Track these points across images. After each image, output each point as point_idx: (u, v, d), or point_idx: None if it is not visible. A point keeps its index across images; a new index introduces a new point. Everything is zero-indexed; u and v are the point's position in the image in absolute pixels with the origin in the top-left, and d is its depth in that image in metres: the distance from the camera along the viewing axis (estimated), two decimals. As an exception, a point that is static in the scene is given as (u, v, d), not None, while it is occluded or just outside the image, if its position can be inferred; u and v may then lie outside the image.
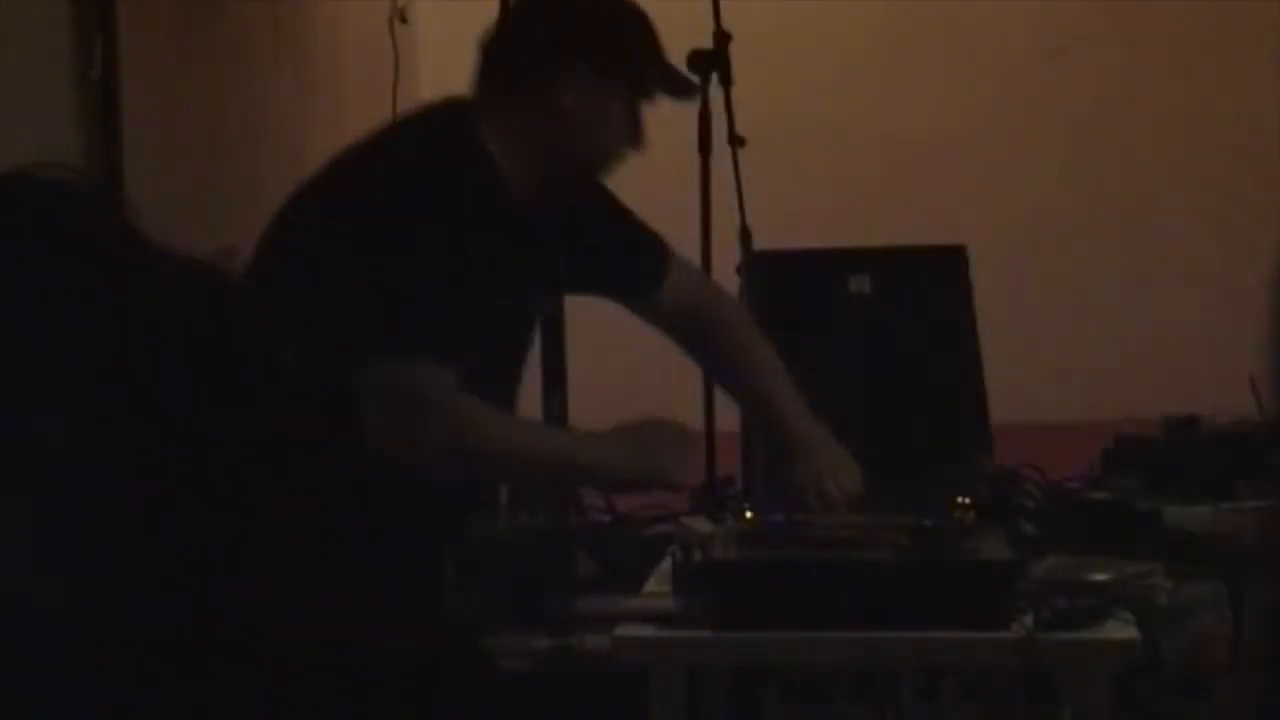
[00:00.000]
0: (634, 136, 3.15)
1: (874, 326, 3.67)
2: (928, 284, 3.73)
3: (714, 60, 3.97)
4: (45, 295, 0.83)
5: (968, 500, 2.94)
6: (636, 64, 3.13)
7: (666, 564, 3.01)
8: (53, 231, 0.85)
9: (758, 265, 3.80)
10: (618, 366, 5.05)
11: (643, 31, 3.17)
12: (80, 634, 0.81)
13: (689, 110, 3.79)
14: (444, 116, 3.13)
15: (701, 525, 3.21)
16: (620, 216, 3.27)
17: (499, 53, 3.16)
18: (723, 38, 4.02)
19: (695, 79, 3.25)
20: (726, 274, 3.98)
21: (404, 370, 2.88)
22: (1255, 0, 5.76)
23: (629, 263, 3.27)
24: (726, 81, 3.99)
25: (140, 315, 0.84)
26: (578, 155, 3.11)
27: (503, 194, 3.04)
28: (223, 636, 0.85)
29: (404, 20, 4.95)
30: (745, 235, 4.04)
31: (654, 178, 3.60)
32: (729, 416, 3.71)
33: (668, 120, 3.35)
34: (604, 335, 3.88)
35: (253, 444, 0.87)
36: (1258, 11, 5.77)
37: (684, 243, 4.07)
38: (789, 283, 3.75)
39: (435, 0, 5.61)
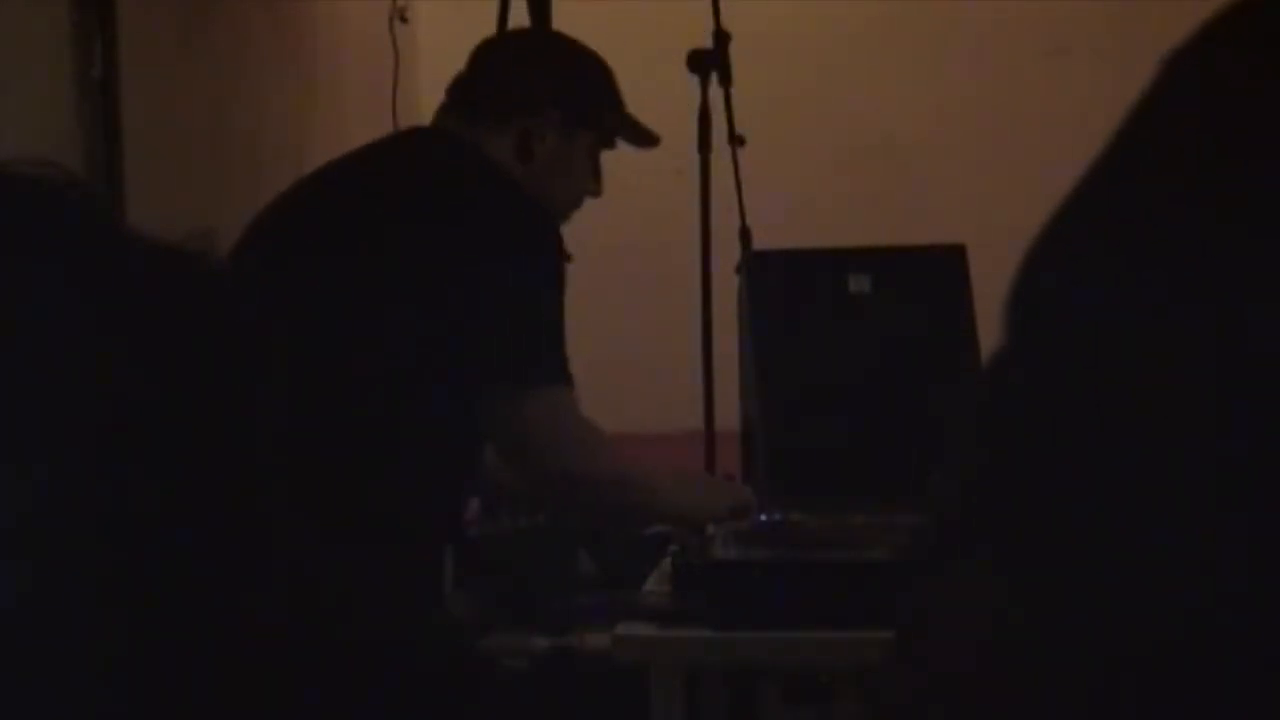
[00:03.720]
0: (595, 183, 3.25)
1: (874, 326, 3.66)
2: (928, 284, 3.73)
3: (714, 60, 3.97)
4: (20, 291, 0.83)
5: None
6: (603, 113, 3.21)
7: (666, 564, 3.01)
8: (26, 227, 0.85)
9: (758, 265, 3.79)
10: (618, 365, 5.05)
11: (606, 81, 3.25)
12: (71, 635, 0.81)
13: (689, 110, 3.79)
14: (453, 140, 3.15)
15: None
16: None
17: (475, 95, 3.18)
18: (723, 38, 4.02)
19: (653, 131, 3.30)
20: (726, 274, 3.98)
21: (570, 401, 2.94)
22: (1255, 0, 5.75)
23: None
24: (726, 81, 3.99)
25: (120, 307, 0.84)
26: (549, 201, 3.15)
27: None
28: (212, 629, 0.85)
29: (404, 20, 4.95)
30: (745, 235, 4.04)
31: (654, 178, 3.61)
32: (729, 416, 3.71)
33: (668, 120, 3.35)
34: (604, 336, 3.88)
35: (242, 429, 0.86)
36: (1258, 11, 5.76)
37: (684, 243, 4.08)
38: (789, 283, 3.75)
39: (435, 0, 5.61)
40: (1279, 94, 0.66)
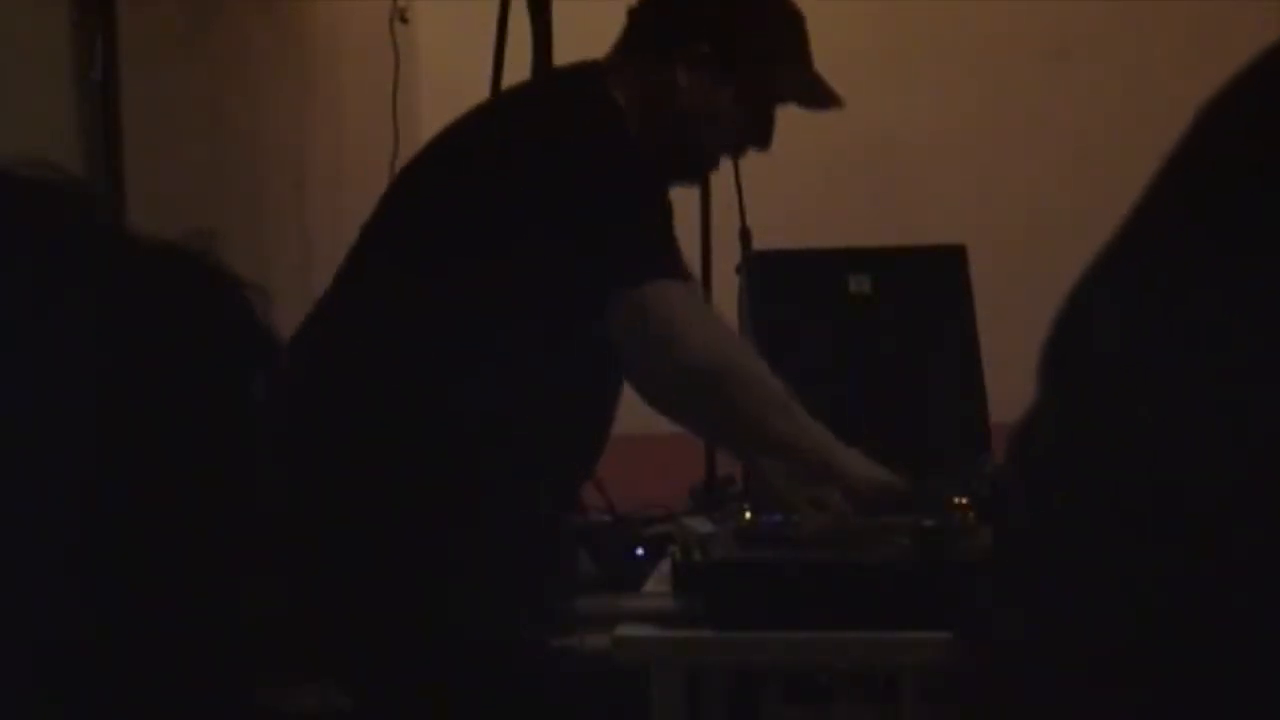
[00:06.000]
0: (757, 135, 3.08)
1: (874, 326, 3.66)
2: (928, 284, 3.73)
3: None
4: (20, 292, 0.83)
5: (967, 500, 2.94)
6: (764, 60, 3.05)
7: (666, 564, 3.01)
8: (26, 228, 0.85)
9: (758, 265, 3.79)
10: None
11: (785, 30, 3.09)
12: (73, 636, 0.81)
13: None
14: (579, 76, 3.10)
15: (701, 525, 3.21)
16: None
17: (638, 17, 3.11)
18: (723, 38, 4.01)
19: (835, 91, 3.13)
20: (726, 274, 3.98)
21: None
22: (1257, 1, 5.76)
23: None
24: (726, 81, 3.98)
25: (119, 307, 0.84)
26: (685, 136, 3.05)
27: (636, 159, 2.98)
28: (216, 628, 0.85)
29: (404, 20, 4.95)
30: (745, 235, 4.04)
31: (654, 178, 3.58)
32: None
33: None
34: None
35: (242, 425, 0.86)
36: (1260, 12, 5.77)
37: (684, 243, 4.07)
38: (789, 283, 3.75)
39: (435, 0, 5.61)
40: None
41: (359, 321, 2.97)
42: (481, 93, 4.05)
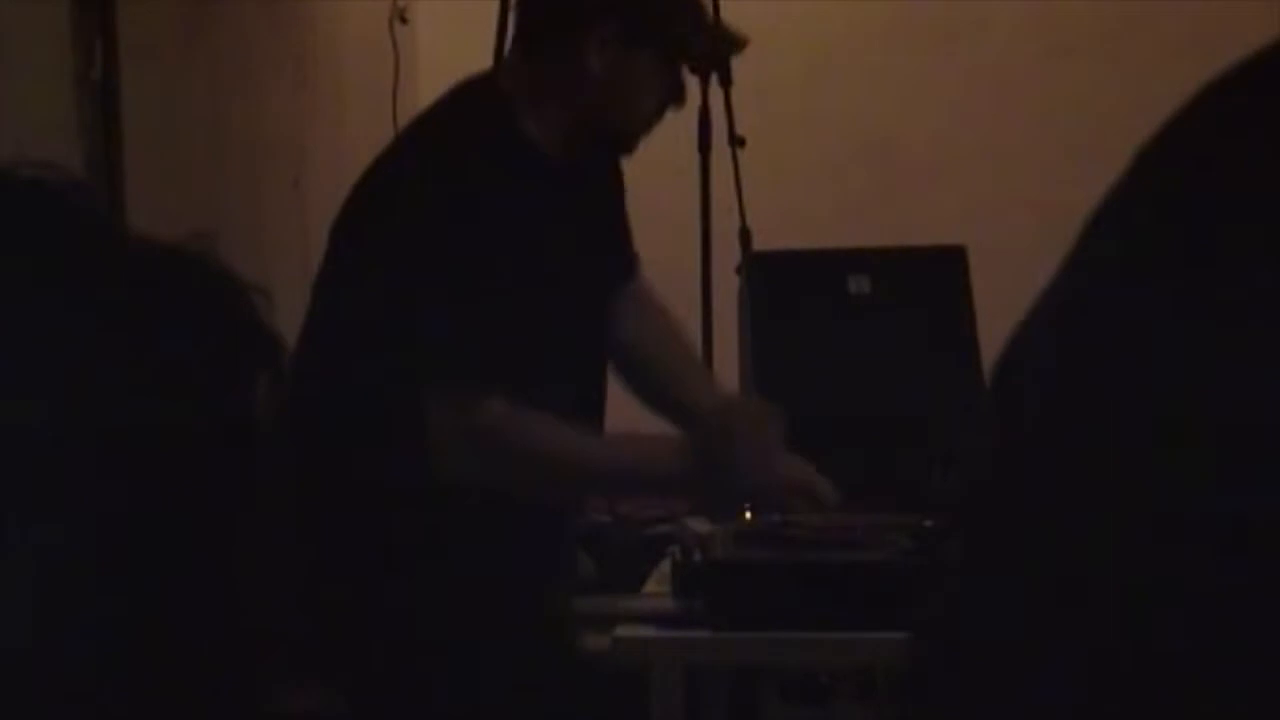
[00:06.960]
0: (672, 95, 3.04)
1: (874, 326, 3.67)
2: (928, 284, 3.73)
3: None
4: (19, 294, 0.83)
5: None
6: (670, 22, 2.99)
7: (666, 564, 3.01)
8: (25, 229, 0.85)
9: (758, 265, 3.80)
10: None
11: None
12: (66, 632, 0.81)
13: (689, 110, 3.79)
14: (470, 98, 3.07)
15: (701, 525, 3.22)
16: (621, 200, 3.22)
17: (528, 14, 3.07)
18: (723, 38, 4.02)
19: (739, 34, 3.11)
20: (726, 274, 3.98)
21: (455, 404, 2.86)
22: (1258, 1, 5.76)
23: (620, 249, 3.23)
24: (726, 81, 3.99)
25: (118, 309, 0.84)
26: (611, 119, 3.00)
27: (535, 169, 2.96)
28: (216, 633, 0.85)
29: (404, 20, 4.95)
30: (745, 235, 4.05)
31: (654, 178, 3.60)
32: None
33: (668, 120, 3.35)
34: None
35: (242, 428, 0.86)
36: (1261, 12, 5.77)
37: (684, 243, 4.08)
38: (789, 283, 3.75)
39: (435, 0, 5.61)
40: (1262, 185, 0.66)
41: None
42: (481, 93, 4.05)
